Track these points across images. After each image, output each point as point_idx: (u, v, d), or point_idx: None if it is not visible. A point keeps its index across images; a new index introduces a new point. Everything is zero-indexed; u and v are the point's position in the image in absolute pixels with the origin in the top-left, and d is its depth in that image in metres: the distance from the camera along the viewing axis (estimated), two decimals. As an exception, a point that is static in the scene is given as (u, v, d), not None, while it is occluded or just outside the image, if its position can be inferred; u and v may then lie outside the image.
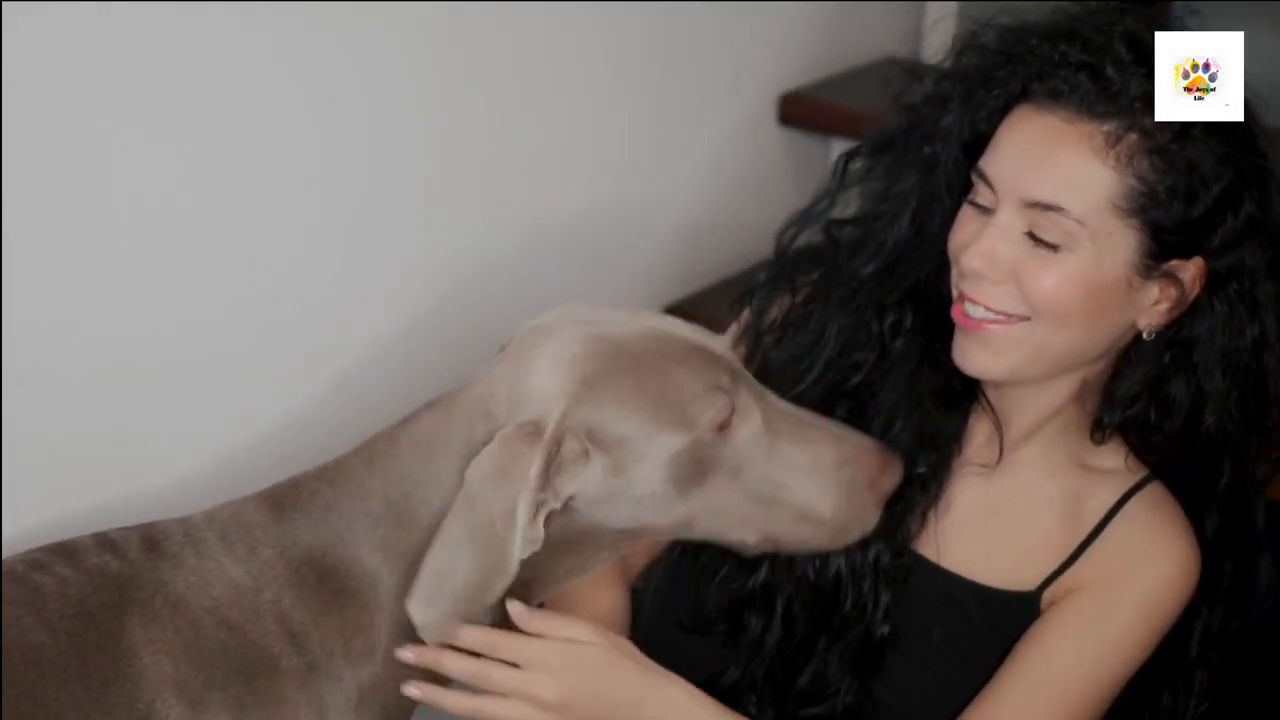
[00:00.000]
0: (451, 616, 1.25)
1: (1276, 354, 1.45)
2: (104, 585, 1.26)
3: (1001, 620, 1.50)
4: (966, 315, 1.42)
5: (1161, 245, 1.38)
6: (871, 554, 1.48)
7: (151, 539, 1.30)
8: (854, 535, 1.36)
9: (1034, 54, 1.41)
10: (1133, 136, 1.37)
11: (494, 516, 1.23)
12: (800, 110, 2.37)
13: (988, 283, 1.39)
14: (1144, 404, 1.46)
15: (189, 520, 1.32)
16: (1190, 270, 1.41)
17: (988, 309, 1.40)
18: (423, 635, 1.26)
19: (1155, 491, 1.51)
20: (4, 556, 1.30)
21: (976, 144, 1.44)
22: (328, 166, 1.68)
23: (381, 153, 1.74)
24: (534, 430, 1.25)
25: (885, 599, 1.49)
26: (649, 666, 1.38)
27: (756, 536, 1.33)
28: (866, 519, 1.35)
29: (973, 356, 1.43)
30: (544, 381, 1.27)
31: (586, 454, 1.27)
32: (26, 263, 1.42)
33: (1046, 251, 1.37)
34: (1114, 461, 1.51)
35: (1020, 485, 1.52)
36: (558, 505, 1.26)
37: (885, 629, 1.50)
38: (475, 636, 1.29)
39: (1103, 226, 1.37)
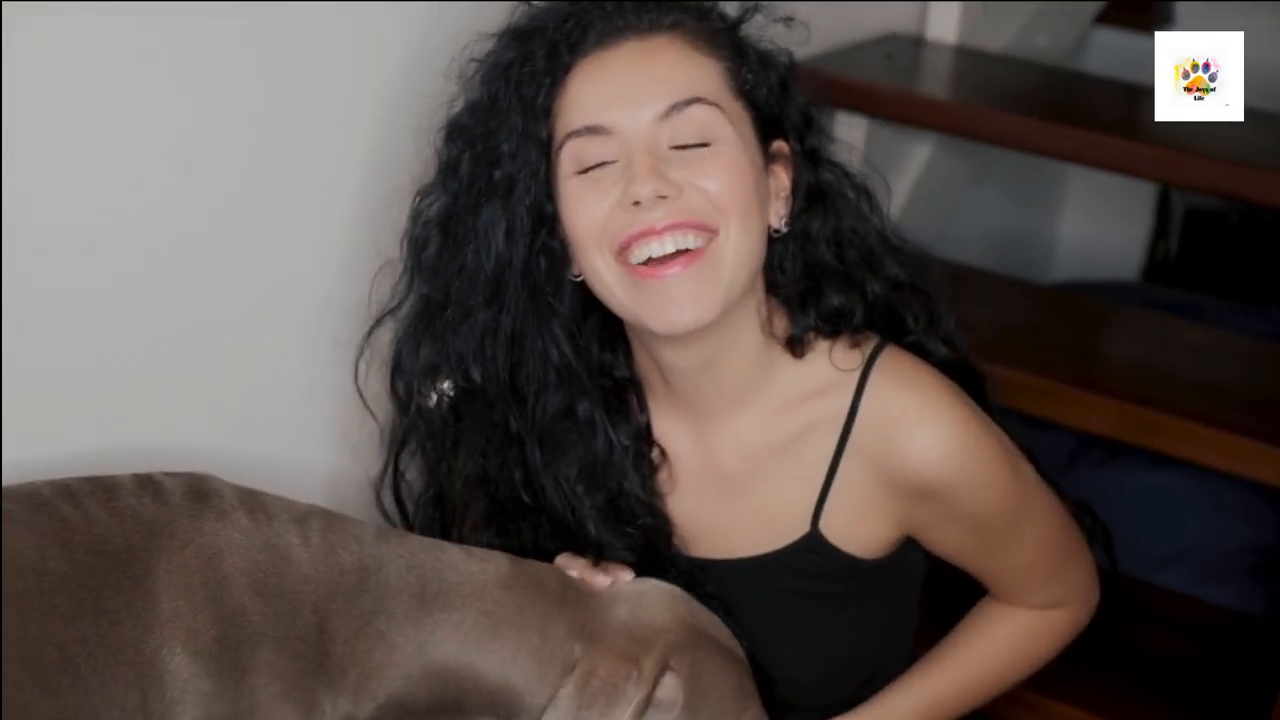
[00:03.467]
0: None
1: (882, 206, 1.54)
2: (136, 528, 1.25)
3: (806, 568, 1.51)
4: (651, 265, 1.38)
5: (762, 124, 1.44)
6: None
7: (201, 492, 1.29)
8: None
9: (565, 25, 1.42)
10: (701, 29, 1.43)
11: None
12: (803, 84, 2.36)
13: (667, 203, 1.37)
14: (815, 297, 1.48)
15: (254, 491, 1.31)
16: (785, 151, 1.47)
17: (680, 226, 1.37)
18: None
19: (884, 366, 1.47)
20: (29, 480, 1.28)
21: (547, 142, 1.42)
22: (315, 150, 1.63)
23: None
24: (637, 662, 1.30)
25: None
26: None
27: None
28: None
29: (678, 303, 1.38)
30: (653, 621, 1.35)
31: (675, 704, 1.32)
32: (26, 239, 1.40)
33: (700, 150, 1.38)
34: (825, 369, 1.48)
35: (751, 453, 1.50)
36: None
37: None
38: None
39: (732, 108, 1.41)
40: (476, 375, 1.49)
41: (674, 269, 1.37)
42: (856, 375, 1.47)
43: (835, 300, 1.48)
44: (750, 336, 1.47)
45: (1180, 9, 3.20)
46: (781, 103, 1.47)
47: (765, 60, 1.47)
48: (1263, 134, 2.35)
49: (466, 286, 1.47)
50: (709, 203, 1.38)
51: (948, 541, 1.52)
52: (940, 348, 1.53)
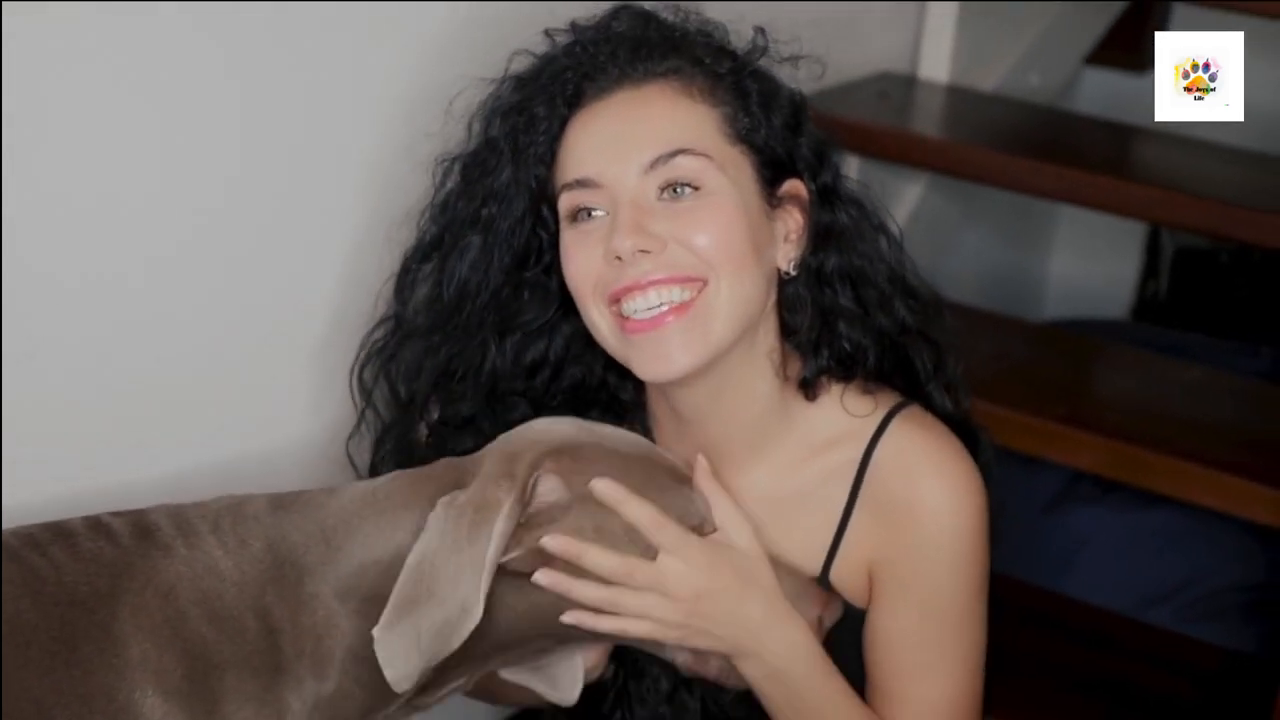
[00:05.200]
0: (415, 654, 1.25)
1: (900, 245, 1.52)
2: (98, 573, 1.26)
3: None
4: (638, 319, 1.39)
5: (768, 166, 1.43)
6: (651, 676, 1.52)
7: (144, 527, 1.30)
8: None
9: (564, 76, 1.44)
10: (698, 74, 1.42)
11: (463, 546, 1.25)
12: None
13: (651, 256, 1.37)
14: (829, 339, 1.46)
15: (181, 510, 1.32)
16: (798, 191, 1.45)
17: (664, 282, 1.38)
18: (388, 676, 1.26)
19: (905, 418, 1.47)
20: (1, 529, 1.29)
21: (540, 188, 1.45)
22: (316, 155, 1.66)
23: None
24: (506, 473, 1.28)
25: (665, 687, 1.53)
26: (778, 600, 1.38)
27: None
28: None
29: (667, 355, 1.39)
30: (521, 434, 1.34)
31: (567, 505, 1.30)
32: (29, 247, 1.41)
33: (691, 197, 1.38)
34: (841, 417, 1.48)
35: (768, 503, 1.48)
36: (516, 551, 1.29)
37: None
38: (608, 563, 1.31)
39: (725, 155, 1.40)
40: (402, 391, 1.53)
41: (668, 319, 1.38)
42: (874, 424, 1.47)
43: (848, 342, 1.47)
44: (762, 382, 1.46)
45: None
46: (790, 143, 1.45)
47: (769, 101, 1.45)
48: (1251, 174, 2.36)
49: (425, 307, 1.52)
50: (696, 256, 1.38)
51: (888, 621, 1.47)
52: (945, 401, 1.52)
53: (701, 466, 1.38)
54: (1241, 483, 1.92)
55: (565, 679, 1.44)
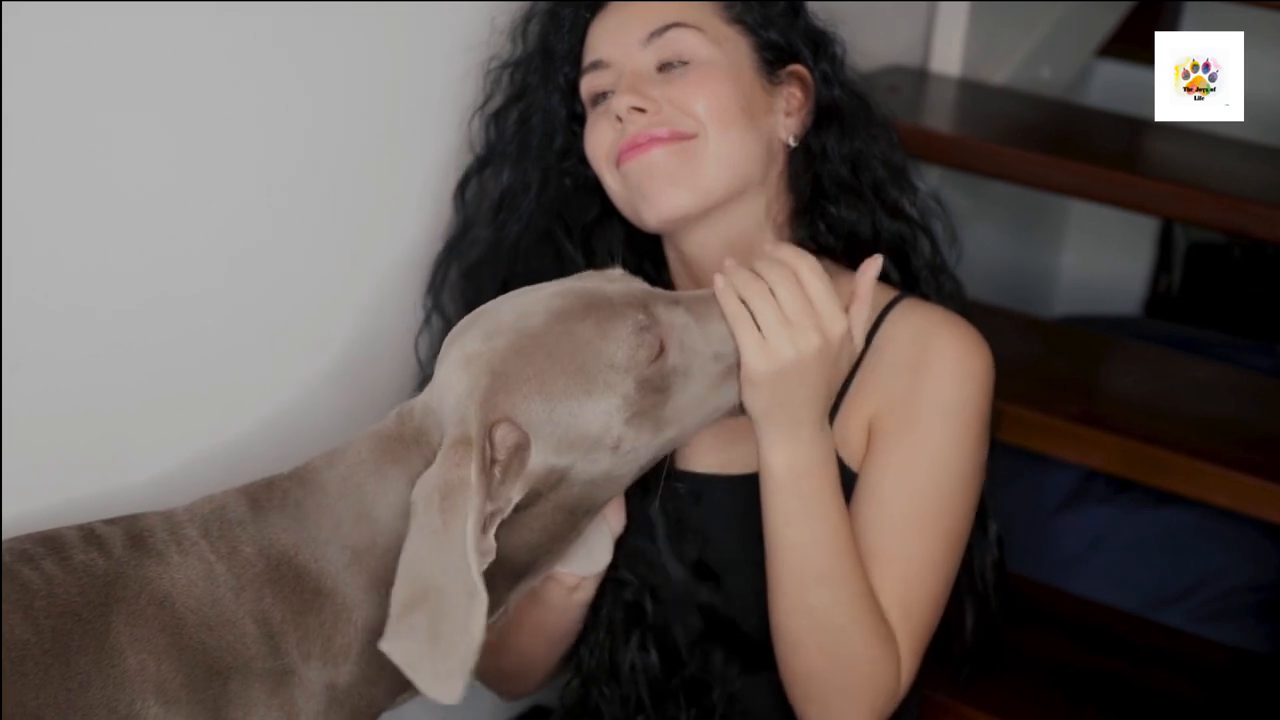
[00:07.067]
0: (442, 659, 1.22)
1: (900, 143, 1.67)
2: (91, 584, 1.25)
3: None
4: (626, 147, 1.51)
5: (766, 49, 1.57)
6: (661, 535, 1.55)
7: (137, 535, 1.29)
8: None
9: None
10: None
11: (443, 539, 1.23)
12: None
13: (647, 115, 1.51)
14: (825, 212, 1.60)
15: (172, 515, 1.31)
16: (799, 71, 1.59)
17: (661, 139, 1.50)
18: (421, 688, 1.23)
19: (905, 307, 1.56)
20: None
21: (570, 88, 1.62)
22: (311, 156, 1.65)
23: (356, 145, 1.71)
24: (462, 439, 1.25)
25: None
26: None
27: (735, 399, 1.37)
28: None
29: (662, 185, 1.51)
30: (455, 388, 1.29)
31: (526, 441, 1.27)
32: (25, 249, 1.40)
33: (684, 69, 1.53)
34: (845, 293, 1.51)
35: None
36: (508, 506, 1.27)
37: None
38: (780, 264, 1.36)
39: (719, 31, 1.55)
40: (469, 288, 1.65)
41: (655, 146, 1.50)
42: (878, 308, 1.53)
43: (845, 217, 1.59)
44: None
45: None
46: (787, 30, 1.59)
47: None
48: (1266, 169, 2.35)
49: (485, 208, 1.66)
50: (689, 115, 1.51)
51: (878, 477, 1.49)
52: (945, 303, 1.61)
53: (868, 276, 1.38)
54: (1255, 482, 1.90)
55: (597, 547, 1.47)
